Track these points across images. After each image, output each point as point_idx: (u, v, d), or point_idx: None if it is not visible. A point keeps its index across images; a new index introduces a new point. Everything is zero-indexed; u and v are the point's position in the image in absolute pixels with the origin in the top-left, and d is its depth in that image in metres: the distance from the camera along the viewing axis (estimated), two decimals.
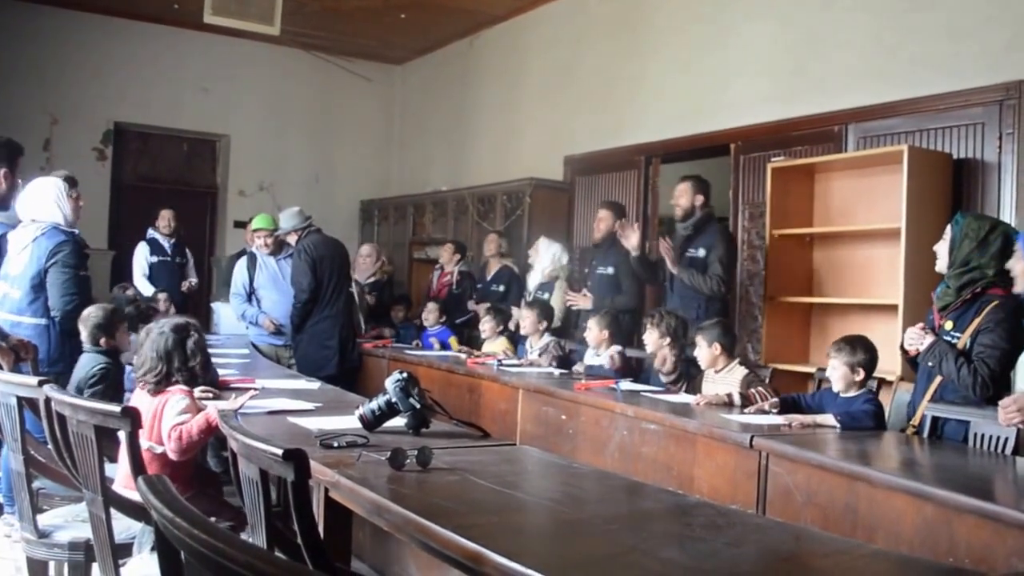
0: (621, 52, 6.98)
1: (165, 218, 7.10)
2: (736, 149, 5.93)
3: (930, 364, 3.21)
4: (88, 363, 3.54)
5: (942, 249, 3.33)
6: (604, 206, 5.67)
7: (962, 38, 4.70)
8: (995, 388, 3.03)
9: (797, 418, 3.17)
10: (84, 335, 3.62)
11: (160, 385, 2.84)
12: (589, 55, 7.34)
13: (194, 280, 7.27)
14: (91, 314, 3.63)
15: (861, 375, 3.28)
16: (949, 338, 3.19)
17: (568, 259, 6.28)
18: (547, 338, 5.26)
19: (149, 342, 2.87)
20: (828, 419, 3.16)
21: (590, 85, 7.31)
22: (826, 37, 5.42)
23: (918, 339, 3.25)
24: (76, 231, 4.07)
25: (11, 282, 3.93)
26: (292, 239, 5.64)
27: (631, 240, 5.08)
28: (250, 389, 3.29)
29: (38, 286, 3.87)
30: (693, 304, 4.67)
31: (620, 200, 6.44)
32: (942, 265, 3.32)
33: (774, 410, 3.32)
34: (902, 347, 3.41)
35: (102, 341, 3.57)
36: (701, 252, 4.81)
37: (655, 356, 4.26)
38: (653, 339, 4.23)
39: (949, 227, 3.32)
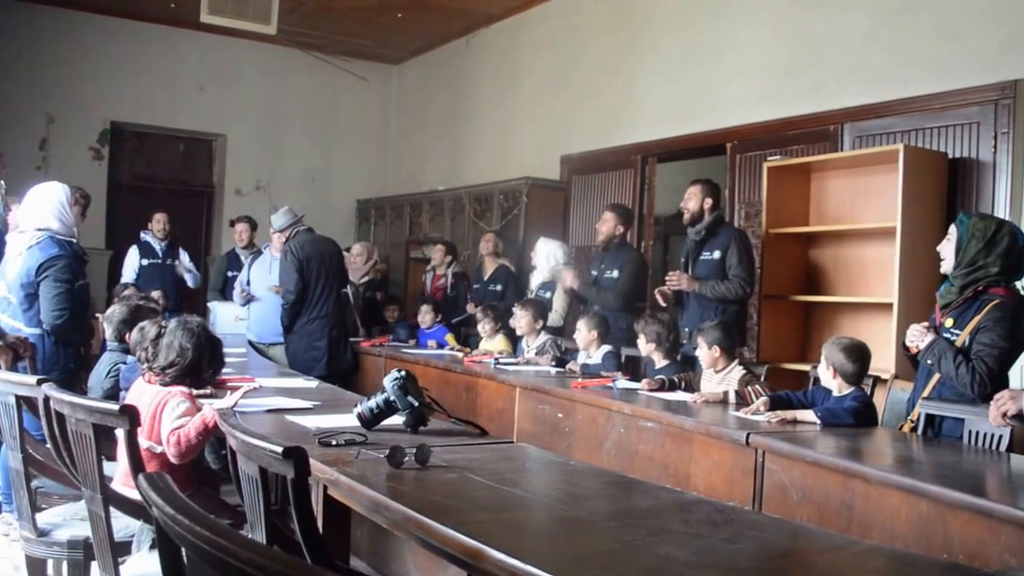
0: (617, 51, 7.00)
1: (160, 221, 7.07)
2: (732, 148, 5.94)
3: (929, 362, 3.20)
4: (108, 360, 3.64)
5: (947, 250, 3.27)
6: (609, 209, 5.48)
7: (957, 38, 4.71)
8: (993, 387, 3.01)
9: (778, 414, 3.18)
10: (109, 333, 3.72)
11: (179, 380, 2.83)
12: (585, 54, 7.35)
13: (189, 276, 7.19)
14: (115, 312, 3.72)
15: (853, 380, 3.30)
16: (949, 335, 3.18)
17: (566, 259, 6.14)
18: (544, 337, 5.26)
19: (177, 336, 2.87)
20: (808, 415, 3.17)
21: (586, 84, 7.32)
22: (822, 37, 5.43)
23: (919, 337, 3.23)
24: (74, 240, 4.02)
25: (9, 287, 3.94)
26: (281, 239, 5.64)
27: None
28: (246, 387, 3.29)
29: (31, 296, 3.87)
30: (711, 308, 4.56)
31: (617, 200, 6.45)
32: (948, 266, 3.26)
33: (764, 408, 3.32)
34: (904, 345, 3.39)
35: (126, 337, 3.62)
36: (716, 254, 4.65)
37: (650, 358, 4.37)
38: (642, 344, 4.35)
39: (953, 227, 3.26)
